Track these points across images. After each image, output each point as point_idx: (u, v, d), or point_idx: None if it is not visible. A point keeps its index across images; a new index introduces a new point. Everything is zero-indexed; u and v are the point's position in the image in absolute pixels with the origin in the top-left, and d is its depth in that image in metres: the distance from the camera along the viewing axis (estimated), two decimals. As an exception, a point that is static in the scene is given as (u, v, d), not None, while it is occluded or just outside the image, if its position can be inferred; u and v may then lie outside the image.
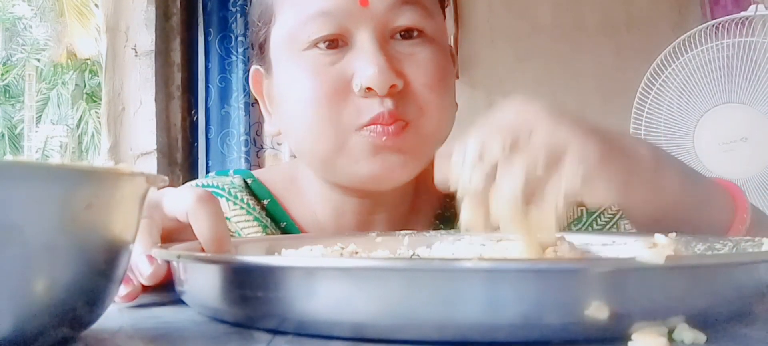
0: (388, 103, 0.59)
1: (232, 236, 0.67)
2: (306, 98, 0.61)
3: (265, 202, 0.73)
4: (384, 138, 0.59)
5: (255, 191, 0.73)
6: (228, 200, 0.71)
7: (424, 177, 0.65)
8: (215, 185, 0.73)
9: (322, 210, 0.70)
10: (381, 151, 0.60)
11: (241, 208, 0.71)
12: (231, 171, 0.77)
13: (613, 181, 0.41)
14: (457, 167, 0.38)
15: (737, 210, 0.52)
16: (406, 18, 0.61)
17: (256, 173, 0.77)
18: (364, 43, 0.59)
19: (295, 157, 0.78)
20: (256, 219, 0.70)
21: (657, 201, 0.48)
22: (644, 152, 0.46)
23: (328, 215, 0.70)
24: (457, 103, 0.68)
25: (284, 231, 0.71)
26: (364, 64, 0.58)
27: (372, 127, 0.59)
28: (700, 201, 0.51)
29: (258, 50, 0.68)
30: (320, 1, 0.60)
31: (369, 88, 0.58)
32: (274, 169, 0.81)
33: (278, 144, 2.45)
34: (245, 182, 0.74)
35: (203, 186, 0.73)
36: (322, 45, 0.60)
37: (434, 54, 0.62)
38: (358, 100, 0.59)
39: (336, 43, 0.60)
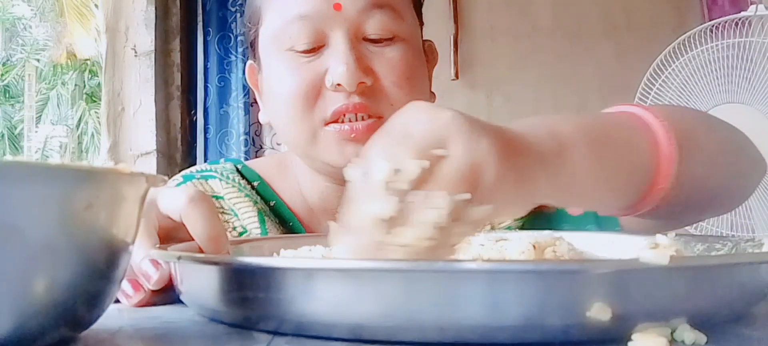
0: (355, 99, 0.64)
1: (227, 219, 0.74)
2: (285, 93, 0.66)
3: (255, 183, 0.78)
4: (352, 135, 0.64)
5: (245, 175, 0.79)
6: (220, 180, 0.76)
7: None
8: (208, 169, 0.79)
9: (309, 194, 0.75)
10: (348, 143, 0.64)
11: (233, 186, 0.76)
12: (222, 160, 0.82)
13: (519, 198, 0.39)
14: (361, 186, 0.35)
15: (659, 156, 0.48)
16: (377, 21, 0.65)
17: (245, 162, 0.82)
18: (338, 43, 0.64)
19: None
20: (247, 195, 0.75)
21: (572, 191, 0.45)
22: (549, 144, 0.42)
23: (315, 199, 0.75)
24: (433, 94, 0.75)
25: (274, 209, 0.76)
26: (336, 63, 0.64)
27: (339, 125, 0.64)
28: (619, 166, 0.48)
29: (250, 47, 0.74)
30: (299, 6, 0.66)
31: (339, 85, 0.63)
32: (263, 158, 0.87)
33: (278, 144, 2.45)
34: (236, 168, 0.79)
35: (198, 171, 0.79)
36: (300, 48, 0.66)
37: (404, 53, 0.67)
38: (329, 94, 0.65)
39: (313, 47, 0.66)
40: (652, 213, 0.51)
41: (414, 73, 0.68)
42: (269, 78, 0.70)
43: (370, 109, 0.64)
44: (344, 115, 0.64)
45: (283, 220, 0.75)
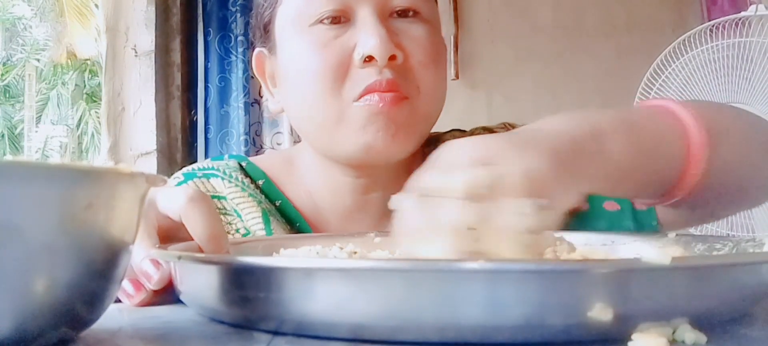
0: (387, 74, 0.62)
1: (230, 220, 0.71)
2: (310, 71, 0.64)
3: (260, 182, 0.75)
4: (381, 105, 0.61)
5: (249, 173, 0.76)
6: (222, 179, 0.74)
7: (416, 157, 0.68)
8: (211, 166, 0.76)
9: (318, 190, 0.72)
10: (377, 119, 0.62)
11: (236, 186, 0.73)
12: (226, 156, 0.79)
13: (573, 187, 0.42)
14: (431, 199, 0.37)
15: (690, 145, 0.51)
16: None
17: (250, 158, 0.79)
18: (366, 17, 0.63)
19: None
20: (250, 195, 0.72)
21: (612, 177, 0.48)
22: (587, 132, 0.46)
23: (325, 195, 0.72)
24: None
25: (279, 209, 0.73)
26: (366, 36, 0.62)
27: (369, 96, 0.62)
28: (652, 152, 0.51)
29: (262, 31, 0.71)
30: None
31: (370, 58, 0.61)
32: (269, 154, 0.85)
33: (278, 144, 2.45)
34: (240, 165, 0.76)
35: (199, 169, 0.76)
36: (326, 21, 0.64)
37: (429, 33, 0.66)
38: (358, 71, 0.63)
39: (339, 18, 0.64)
40: (686, 201, 0.54)
41: (438, 55, 0.67)
42: (289, 59, 0.67)
43: (400, 88, 0.62)
44: (375, 93, 0.62)
45: (290, 220, 0.72)
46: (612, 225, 0.69)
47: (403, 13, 0.65)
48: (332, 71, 0.63)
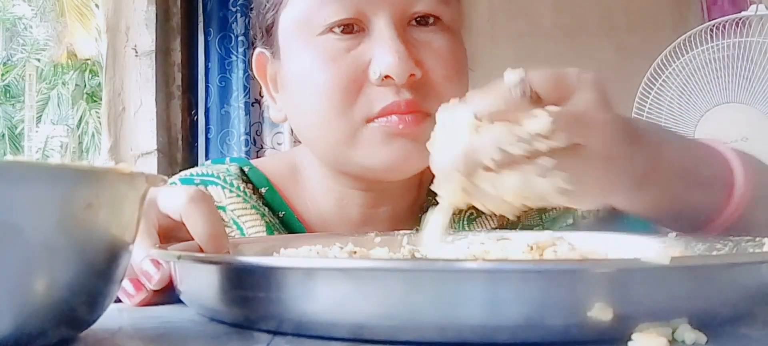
0: (405, 94, 0.57)
1: (229, 232, 0.66)
2: (319, 87, 0.59)
3: (263, 190, 0.71)
4: (400, 126, 0.57)
5: (252, 179, 0.71)
6: (223, 188, 0.69)
7: (426, 169, 0.64)
8: (210, 173, 0.71)
9: (325, 201, 0.69)
10: (396, 139, 0.58)
11: (238, 196, 0.68)
12: (227, 159, 0.75)
13: (622, 172, 0.41)
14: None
15: (733, 185, 0.49)
16: (424, 3, 0.59)
17: (253, 161, 0.74)
18: (382, 29, 0.58)
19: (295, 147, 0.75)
20: (253, 207, 0.68)
21: (659, 182, 0.46)
22: (651, 132, 0.46)
23: (331, 207, 0.68)
24: None
25: (283, 221, 0.69)
26: (384, 52, 0.57)
27: (385, 119, 0.58)
28: (698, 176, 0.50)
29: (264, 33, 0.66)
30: None
31: (387, 76, 0.57)
32: (273, 157, 0.78)
33: (278, 144, 2.45)
34: (242, 170, 0.72)
35: (197, 175, 0.72)
36: (337, 30, 0.59)
37: (451, 43, 0.61)
38: (373, 89, 0.58)
39: (351, 27, 0.59)
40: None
41: (460, 65, 0.62)
42: (294, 69, 0.62)
43: (420, 107, 0.57)
44: (393, 114, 0.57)
45: (294, 233, 0.69)
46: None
47: (422, 20, 0.60)
48: (344, 88, 0.58)
